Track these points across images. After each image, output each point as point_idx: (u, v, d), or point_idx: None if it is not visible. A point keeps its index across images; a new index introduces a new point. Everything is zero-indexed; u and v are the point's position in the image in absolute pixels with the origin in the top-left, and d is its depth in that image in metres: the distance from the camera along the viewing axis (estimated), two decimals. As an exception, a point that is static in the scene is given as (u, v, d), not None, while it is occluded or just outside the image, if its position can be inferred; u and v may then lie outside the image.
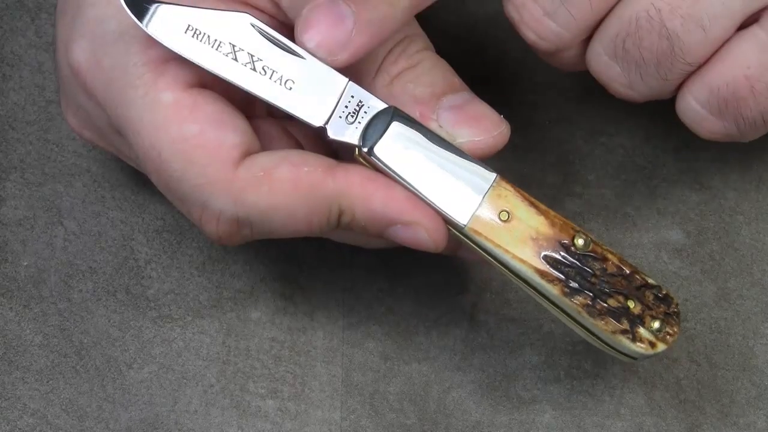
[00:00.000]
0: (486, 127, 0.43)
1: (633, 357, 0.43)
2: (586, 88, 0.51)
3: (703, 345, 0.50)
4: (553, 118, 0.52)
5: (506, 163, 0.52)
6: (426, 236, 0.43)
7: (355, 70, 0.43)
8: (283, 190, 0.42)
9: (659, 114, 0.51)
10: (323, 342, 0.50)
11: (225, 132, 0.42)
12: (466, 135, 0.43)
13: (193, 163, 0.42)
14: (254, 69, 0.43)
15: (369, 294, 0.51)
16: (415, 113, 0.43)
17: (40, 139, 0.52)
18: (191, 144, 0.42)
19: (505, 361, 0.50)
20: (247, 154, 0.43)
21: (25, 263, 0.51)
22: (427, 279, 0.51)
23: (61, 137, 0.52)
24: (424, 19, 0.52)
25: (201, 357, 0.50)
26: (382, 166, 0.43)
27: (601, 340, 0.43)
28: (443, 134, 0.43)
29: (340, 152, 0.46)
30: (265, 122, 0.46)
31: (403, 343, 0.50)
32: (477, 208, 0.43)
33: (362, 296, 0.51)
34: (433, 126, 0.43)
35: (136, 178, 0.52)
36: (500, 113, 0.51)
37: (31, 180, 0.52)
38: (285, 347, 0.50)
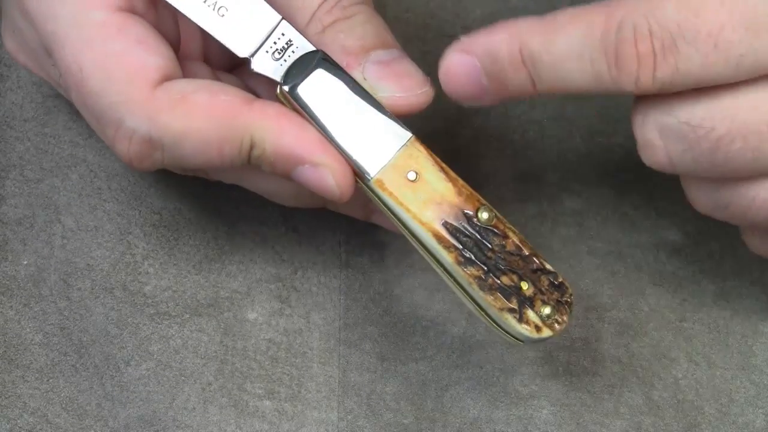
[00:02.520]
0: (409, 85, 0.44)
1: (518, 339, 0.44)
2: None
3: (702, 344, 0.50)
4: (551, 116, 0.51)
5: (504, 160, 0.52)
6: (332, 181, 0.43)
7: (288, 15, 0.44)
8: (198, 114, 0.43)
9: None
10: (320, 343, 0.50)
11: (148, 54, 0.44)
12: (388, 90, 0.44)
13: (113, 80, 0.43)
14: None
15: (365, 295, 0.51)
16: (342, 63, 0.44)
17: (38, 134, 0.52)
18: (113, 61, 0.43)
19: (503, 357, 0.50)
20: (167, 78, 0.44)
21: (25, 262, 0.51)
22: (423, 279, 0.51)
23: (58, 129, 0.52)
24: (420, 19, 0.52)
25: (199, 355, 0.50)
26: (300, 107, 0.44)
27: (489, 317, 0.44)
28: (366, 86, 0.44)
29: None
30: (197, 65, 0.47)
31: (400, 344, 0.50)
32: (387, 163, 0.43)
33: (358, 298, 0.51)
34: (357, 77, 0.44)
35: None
36: (498, 111, 0.51)
37: (30, 177, 0.52)
38: (281, 349, 0.50)
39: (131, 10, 0.44)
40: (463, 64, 0.41)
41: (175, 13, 0.46)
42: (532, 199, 0.52)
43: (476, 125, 0.51)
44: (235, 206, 0.51)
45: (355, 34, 0.44)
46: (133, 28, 0.44)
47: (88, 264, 0.51)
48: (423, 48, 0.51)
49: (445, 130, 0.51)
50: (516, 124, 0.51)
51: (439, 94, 0.51)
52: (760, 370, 0.50)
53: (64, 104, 0.53)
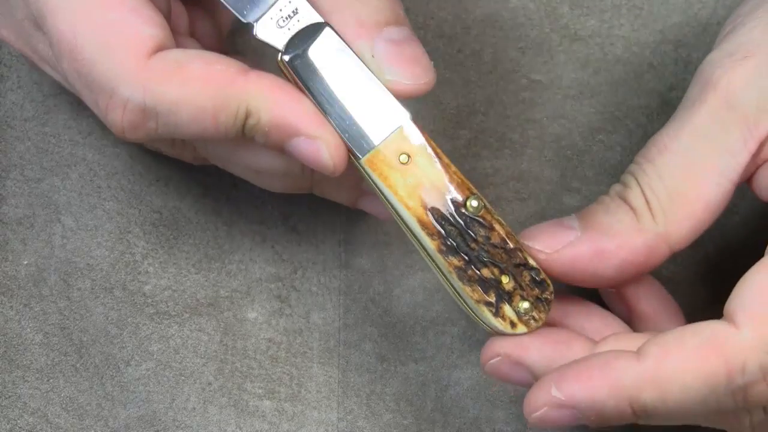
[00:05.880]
0: (417, 73, 0.43)
1: (495, 331, 0.43)
2: (584, 86, 0.51)
3: (701, 344, 0.50)
4: (551, 115, 0.51)
5: (504, 160, 0.52)
6: (327, 154, 0.43)
7: None
8: (194, 83, 0.43)
9: (658, 114, 0.51)
10: (319, 344, 0.50)
11: (143, 23, 0.43)
12: (395, 74, 0.43)
13: (107, 48, 0.43)
14: None
15: (365, 296, 0.51)
16: (354, 34, 0.43)
17: (38, 134, 0.52)
18: (108, 30, 0.43)
19: (504, 357, 0.50)
20: (161, 48, 0.43)
21: (25, 262, 0.51)
22: (423, 279, 0.51)
23: (58, 128, 0.52)
24: (420, 18, 0.52)
25: (199, 355, 0.50)
26: (297, 78, 0.43)
27: (468, 306, 0.43)
28: (372, 65, 0.43)
29: None
30: (187, 40, 0.47)
31: (400, 344, 0.50)
32: (380, 143, 0.43)
33: (358, 298, 0.51)
34: (365, 51, 0.43)
35: (131, 167, 0.52)
36: (497, 111, 0.51)
37: (30, 176, 0.52)
38: (281, 348, 0.50)
39: None
40: (558, 413, 0.41)
41: None
42: (531, 197, 0.52)
43: (476, 125, 0.51)
44: (235, 206, 0.51)
45: (371, 5, 0.43)
46: None
47: (88, 264, 0.51)
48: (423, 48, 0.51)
49: (445, 130, 0.51)
50: (516, 123, 0.51)
51: (439, 95, 0.51)
52: (760, 370, 0.50)
53: (64, 103, 0.53)
